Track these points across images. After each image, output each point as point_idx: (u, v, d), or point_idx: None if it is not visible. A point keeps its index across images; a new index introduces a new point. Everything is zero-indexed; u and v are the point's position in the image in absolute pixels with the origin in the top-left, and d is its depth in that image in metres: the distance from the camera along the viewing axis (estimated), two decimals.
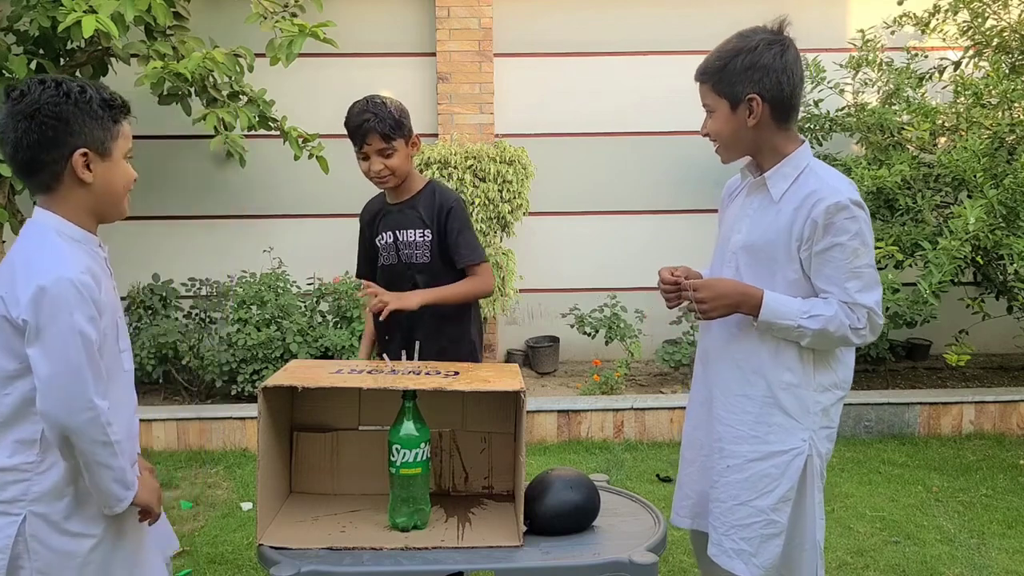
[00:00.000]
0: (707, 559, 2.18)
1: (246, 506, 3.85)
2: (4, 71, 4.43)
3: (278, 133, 5.00)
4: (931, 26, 5.35)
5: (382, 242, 2.68)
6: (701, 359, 2.22)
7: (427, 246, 2.62)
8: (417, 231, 2.62)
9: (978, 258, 4.51)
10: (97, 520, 1.73)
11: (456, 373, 2.12)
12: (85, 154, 1.68)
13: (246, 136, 5.06)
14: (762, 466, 2.01)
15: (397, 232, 2.65)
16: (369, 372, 2.11)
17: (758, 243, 2.02)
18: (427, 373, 2.11)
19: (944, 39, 5.37)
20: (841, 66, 5.29)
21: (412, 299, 2.50)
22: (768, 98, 1.96)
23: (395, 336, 2.63)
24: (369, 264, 2.77)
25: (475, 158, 5.26)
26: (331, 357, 4.90)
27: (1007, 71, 4.92)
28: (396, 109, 2.56)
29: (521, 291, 5.55)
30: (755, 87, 1.95)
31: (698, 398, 2.22)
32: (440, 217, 2.60)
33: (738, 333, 2.05)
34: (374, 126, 2.50)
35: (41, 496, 1.67)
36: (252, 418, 4.56)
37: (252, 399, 4.81)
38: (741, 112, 1.97)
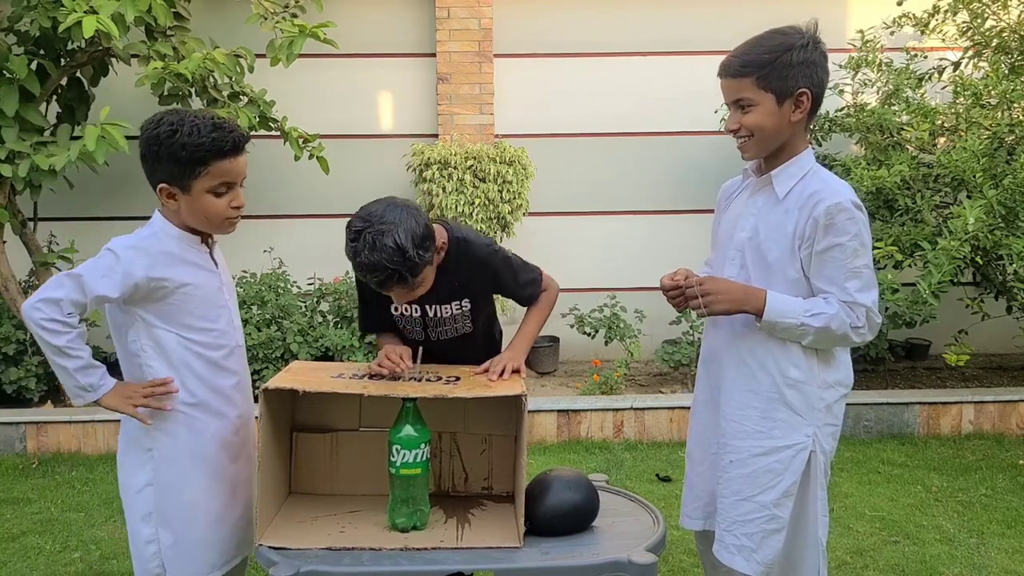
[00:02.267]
0: (710, 560, 2.18)
1: None
2: (4, 71, 4.44)
3: (278, 133, 5.00)
4: (930, 27, 5.35)
5: (403, 314, 2.29)
6: (705, 359, 2.22)
7: (467, 317, 2.29)
8: (453, 304, 2.26)
9: (977, 258, 4.51)
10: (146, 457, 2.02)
11: (457, 379, 2.12)
12: (166, 189, 1.98)
13: None
14: (765, 461, 2.02)
15: (426, 307, 2.25)
16: (370, 377, 2.11)
17: (763, 241, 2.03)
18: (428, 379, 2.11)
19: (943, 39, 5.37)
20: (841, 66, 5.29)
21: (522, 355, 2.26)
22: (814, 94, 1.99)
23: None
24: (381, 316, 2.32)
25: (475, 158, 5.26)
26: (331, 357, 4.90)
27: (1006, 71, 4.92)
28: (413, 244, 1.96)
29: None
30: (807, 81, 1.96)
31: (703, 397, 2.22)
32: (484, 279, 2.26)
33: (744, 330, 2.06)
34: (396, 283, 2.01)
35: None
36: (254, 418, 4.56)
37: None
38: (787, 106, 1.98)
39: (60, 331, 1.89)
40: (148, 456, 2.02)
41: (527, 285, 2.35)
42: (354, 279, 2.54)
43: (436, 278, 2.15)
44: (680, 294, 2.04)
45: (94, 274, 1.91)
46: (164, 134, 1.94)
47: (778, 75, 1.95)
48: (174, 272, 1.99)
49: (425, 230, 2.01)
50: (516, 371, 2.19)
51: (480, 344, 2.38)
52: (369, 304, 2.34)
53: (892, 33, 5.45)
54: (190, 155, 1.94)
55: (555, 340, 5.71)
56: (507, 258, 2.30)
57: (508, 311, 5.56)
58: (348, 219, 2.04)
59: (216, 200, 2.00)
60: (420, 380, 2.10)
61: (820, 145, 5.44)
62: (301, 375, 2.10)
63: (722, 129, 4.62)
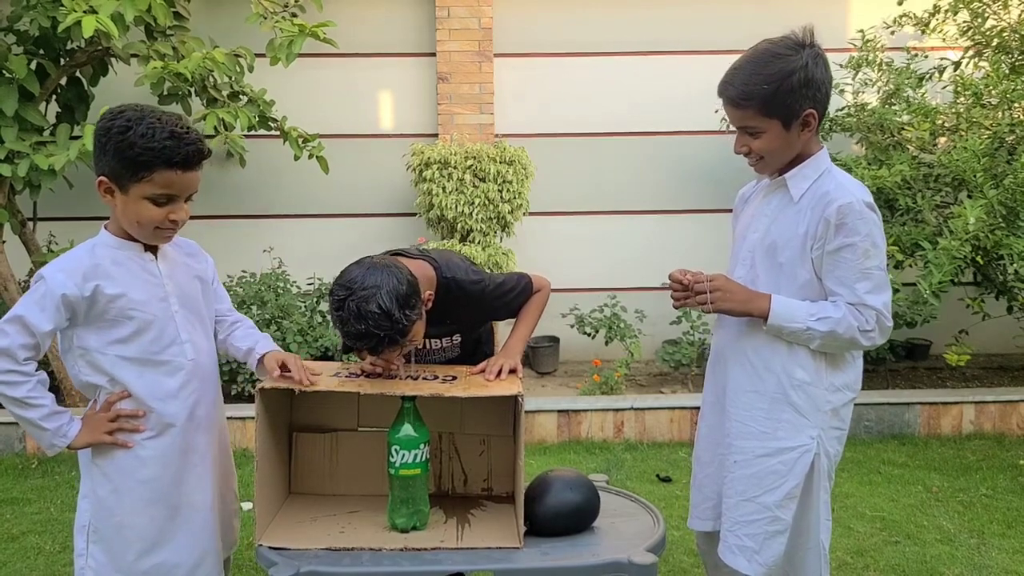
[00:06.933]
0: (713, 561, 2.18)
1: (246, 506, 3.83)
2: (4, 71, 4.43)
3: (278, 133, 5.00)
4: (931, 26, 5.35)
5: None
6: (712, 360, 2.22)
7: (456, 347, 2.35)
8: (444, 339, 2.31)
9: (978, 258, 4.50)
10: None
11: (454, 378, 2.12)
12: (104, 183, 1.87)
13: (246, 136, 5.06)
14: (769, 462, 2.02)
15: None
16: (367, 375, 2.11)
17: (776, 242, 2.02)
18: (424, 377, 2.11)
19: (944, 39, 5.37)
20: (841, 66, 5.28)
21: (517, 356, 2.23)
22: (820, 109, 1.98)
23: None
24: None
25: (475, 158, 5.25)
26: (331, 357, 4.90)
27: (1007, 71, 4.92)
28: (399, 305, 1.92)
29: None
30: (811, 102, 1.95)
31: (709, 399, 2.22)
32: (476, 315, 2.30)
33: (750, 330, 2.05)
34: (387, 346, 1.96)
35: None
36: (252, 418, 4.55)
37: (252, 399, 4.80)
38: (795, 128, 1.97)
39: (18, 382, 1.83)
40: (90, 468, 1.99)
41: (517, 298, 2.33)
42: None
43: (427, 320, 2.09)
44: (684, 289, 2.04)
45: (34, 310, 1.82)
46: (117, 128, 1.82)
47: (781, 102, 1.93)
48: (107, 284, 1.87)
49: (409, 287, 1.95)
50: (513, 371, 2.18)
51: (467, 360, 2.37)
52: None
53: (892, 33, 5.44)
54: (135, 157, 1.81)
55: (555, 340, 5.70)
56: (496, 287, 2.27)
57: None
58: (331, 288, 1.98)
59: (153, 208, 1.87)
60: (416, 379, 2.09)
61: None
62: None
63: (723, 129, 4.61)
